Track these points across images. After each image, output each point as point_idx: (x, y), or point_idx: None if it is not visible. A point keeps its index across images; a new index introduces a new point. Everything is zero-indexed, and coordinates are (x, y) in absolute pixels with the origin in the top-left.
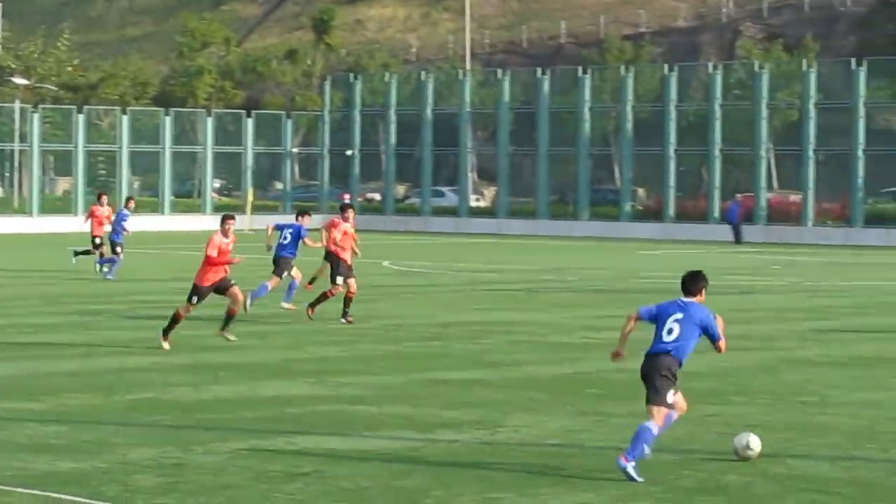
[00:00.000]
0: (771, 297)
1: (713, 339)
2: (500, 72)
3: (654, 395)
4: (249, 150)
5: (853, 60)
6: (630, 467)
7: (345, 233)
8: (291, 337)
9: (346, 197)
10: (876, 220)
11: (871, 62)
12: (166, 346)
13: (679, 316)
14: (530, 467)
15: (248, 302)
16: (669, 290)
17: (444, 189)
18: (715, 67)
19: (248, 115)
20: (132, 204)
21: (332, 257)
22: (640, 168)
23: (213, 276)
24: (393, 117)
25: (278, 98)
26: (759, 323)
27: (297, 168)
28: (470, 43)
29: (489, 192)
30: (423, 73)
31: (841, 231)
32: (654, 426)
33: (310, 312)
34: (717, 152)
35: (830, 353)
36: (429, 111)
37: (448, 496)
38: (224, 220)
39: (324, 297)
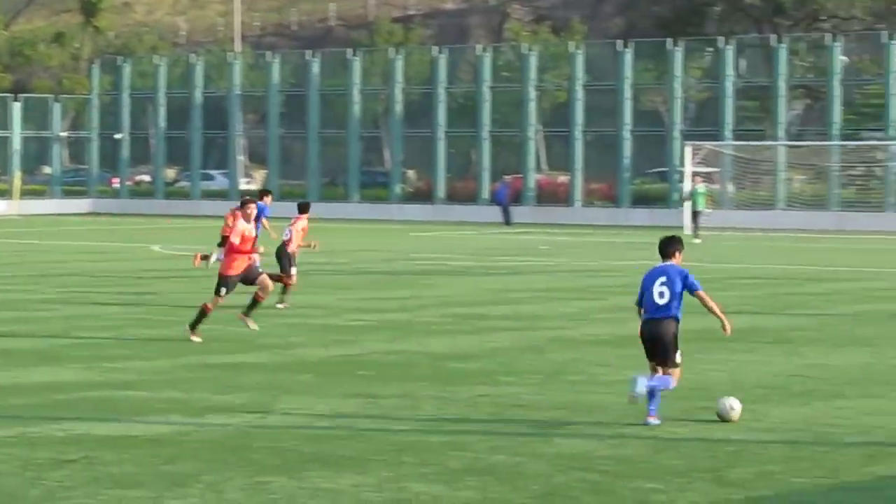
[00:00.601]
0: (539, 277)
1: (692, 289)
2: (269, 54)
3: (665, 358)
4: (17, 134)
5: (619, 42)
6: (656, 420)
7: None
8: (62, 323)
9: (115, 181)
10: (642, 200)
11: (637, 44)
12: (197, 339)
13: (663, 279)
14: (300, 451)
15: None
16: (439, 271)
17: (214, 172)
18: (484, 50)
19: (16, 99)
20: None
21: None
22: (409, 150)
23: (239, 265)
24: (162, 100)
25: (46, 82)
26: (527, 303)
27: (66, 152)
28: (240, 26)
29: (259, 174)
30: (192, 56)
31: (608, 211)
32: (672, 379)
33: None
34: (485, 134)
35: (598, 332)
36: (198, 94)
37: (218, 481)
38: (244, 204)
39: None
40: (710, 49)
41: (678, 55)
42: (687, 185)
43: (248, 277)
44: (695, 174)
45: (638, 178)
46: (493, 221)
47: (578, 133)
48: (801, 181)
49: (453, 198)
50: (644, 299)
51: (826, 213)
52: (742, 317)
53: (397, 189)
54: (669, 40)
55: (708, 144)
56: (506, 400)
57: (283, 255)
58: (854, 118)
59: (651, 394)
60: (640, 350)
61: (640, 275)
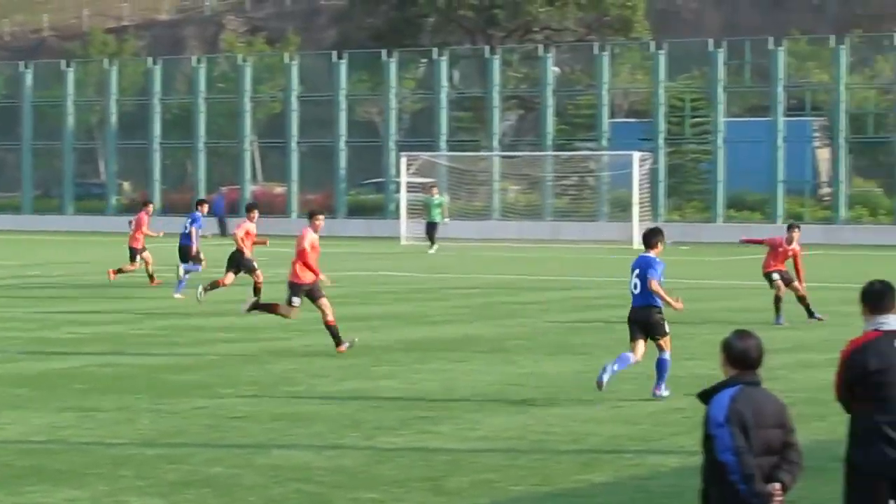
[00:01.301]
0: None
1: (643, 279)
2: None
3: (658, 333)
4: None
5: (334, 53)
6: (664, 393)
7: (247, 232)
8: None
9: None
10: (358, 211)
11: (352, 55)
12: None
13: (636, 271)
14: (16, 466)
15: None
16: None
17: None
18: (199, 61)
19: None
20: None
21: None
22: (125, 161)
23: (309, 276)
24: None
25: None
26: (242, 315)
27: None
28: None
29: None
30: None
31: (324, 222)
32: (667, 354)
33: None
34: (201, 145)
35: (316, 343)
36: None
37: None
38: (312, 215)
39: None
40: (425, 60)
41: (392, 66)
42: (403, 196)
43: (312, 293)
44: (431, 185)
45: (354, 188)
46: (210, 233)
47: (294, 144)
48: (515, 191)
49: (170, 209)
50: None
51: (540, 222)
52: (456, 326)
53: (112, 200)
54: (384, 51)
55: (423, 155)
56: (224, 412)
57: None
58: (567, 129)
59: (661, 368)
60: (355, 359)
61: (357, 285)
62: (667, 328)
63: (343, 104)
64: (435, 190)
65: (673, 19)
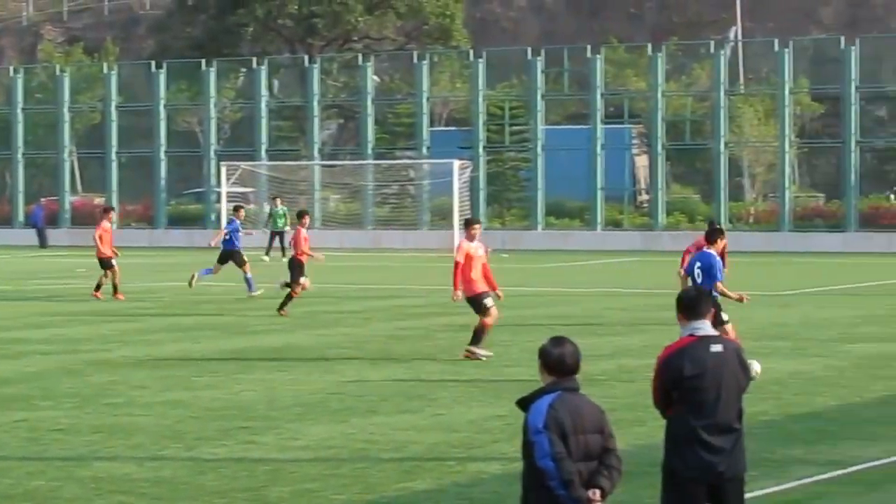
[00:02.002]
0: (78, 303)
1: (714, 278)
2: None
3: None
4: None
5: (153, 63)
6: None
7: (306, 239)
8: None
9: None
10: (179, 221)
11: (171, 65)
12: (487, 353)
13: (699, 263)
14: None
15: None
16: None
17: None
18: (16, 71)
19: None
20: None
21: (295, 261)
22: None
23: (481, 286)
24: None
25: None
26: (66, 326)
27: None
28: None
29: None
30: None
31: (145, 233)
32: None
33: (283, 313)
34: (19, 156)
35: (136, 354)
36: None
37: None
38: (469, 224)
39: (290, 297)
40: (244, 69)
41: (212, 75)
42: (224, 206)
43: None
44: (275, 196)
45: (174, 198)
46: (29, 244)
47: (113, 154)
48: (336, 200)
49: None
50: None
51: (361, 231)
52: (278, 336)
53: None
54: (203, 61)
55: (243, 164)
56: (44, 424)
57: (294, 265)
58: (387, 137)
59: None
60: (175, 370)
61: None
62: (725, 317)
63: (162, 114)
64: (279, 200)
65: (492, 28)
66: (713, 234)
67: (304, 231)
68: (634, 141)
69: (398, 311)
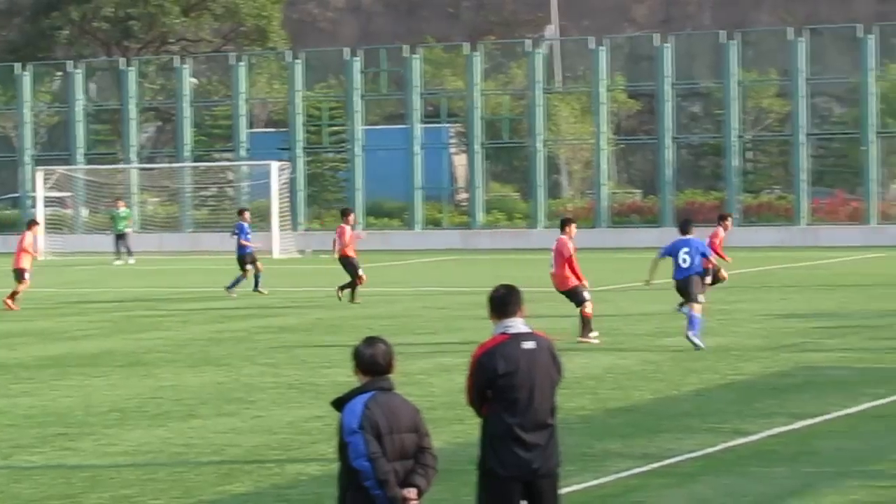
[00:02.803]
0: None
1: (705, 254)
2: None
3: (693, 298)
4: None
5: None
6: (697, 337)
7: (352, 235)
8: None
9: None
10: None
11: None
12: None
13: (686, 248)
14: None
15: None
16: None
17: None
18: None
19: None
20: None
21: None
22: None
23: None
24: None
25: None
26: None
27: None
28: None
29: None
30: None
31: None
32: (698, 315)
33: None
34: None
35: None
36: None
37: None
38: (564, 223)
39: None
40: (60, 73)
41: (27, 79)
42: (40, 210)
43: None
44: (118, 198)
45: None
46: None
47: None
48: (155, 203)
49: None
50: (674, 265)
51: (180, 234)
52: (95, 341)
53: None
54: (18, 65)
55: (60, 169)
56: None
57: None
58: (205, 139)
59: (692, 321)
60: None
61: None
62: (700, 298)
63: None
64: (121, 202)
65: (309, 29)
66: (689, 224)
67: (349, 228)
68: (453, 140)
69: (217, 313)
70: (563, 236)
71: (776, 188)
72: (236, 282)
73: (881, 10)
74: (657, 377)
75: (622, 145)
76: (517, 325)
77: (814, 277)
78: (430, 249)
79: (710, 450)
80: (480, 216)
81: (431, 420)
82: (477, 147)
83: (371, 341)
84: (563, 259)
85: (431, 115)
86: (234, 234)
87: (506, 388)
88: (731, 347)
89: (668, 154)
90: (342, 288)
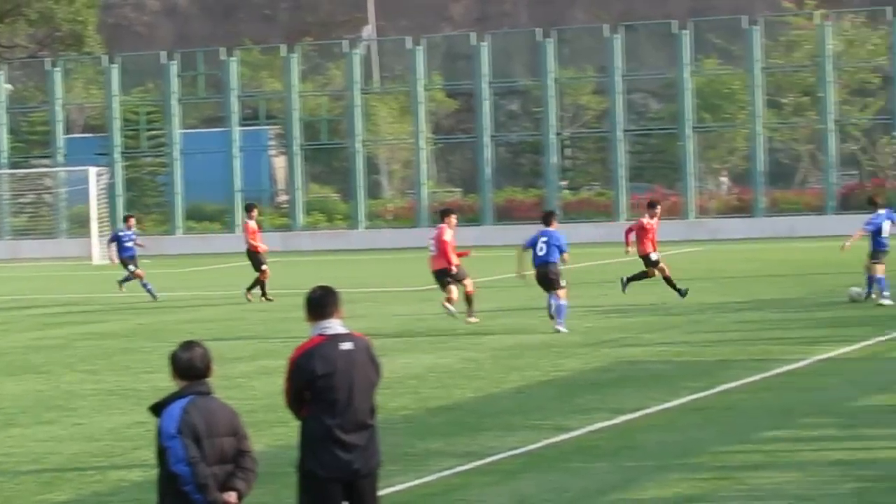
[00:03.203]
0: None
1: (562, 249)
2: None
3: (554, 285)
4: None
5: None
6: (563, 327)
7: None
8: None
9: None
10: None
11: None
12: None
13: (545, 238)
14: None
15: None
16: None
17: None
18: None
19: None
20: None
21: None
22: None
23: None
24: None
25: None
26: None
27: None
28: None
29: None
30: None
31: None
32: (564, 301)
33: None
34: None
35: None
36: None
37: None
38: (444, 213)
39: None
40: None
41: None
42: None
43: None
44: None
45: None
46: None
47: None
48: None
49: None
50: (533, 253)
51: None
52: None
53: None
54: None
55: None
56: None
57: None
58: (22, 146)
59: (559, 310)
60: None
61: None
62: (563, 283)
63: None
64: None
65: (125, 33)
66: (552, 216)
67: (252, 223)
68: (272, 142)
69: (37, 320)
70: (443, 225)
71: (595, 184)
72: (127, 279)
73: (695, 6)
74: (479, 375)
75: (441, 144)
76: (334, 326)
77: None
78: None
79: (532, 447)
80: (301, 218)
81: (252, 423)
82: (296, 149)
83: (188, 345)
84: (441, 245)
85: (250, 118)
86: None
87: (324, 389)
88: (552, 344)
89: (487, 152)
90: (249, 289)
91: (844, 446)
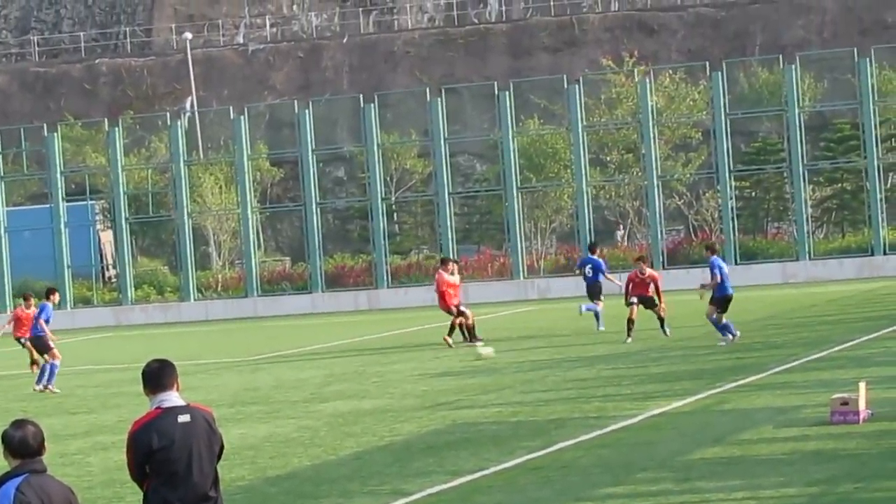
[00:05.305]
0: None
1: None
2: None
3: (597, 297)
4: None
5: None
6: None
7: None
8: None
9: None
10: None
11: None
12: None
13: (590, 264)
14: None
15: None
16: None
17: None
18: None
19: None
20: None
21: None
22: None
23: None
24: None
25: None
26: None
27: None
28: None
29: None
30: None
31: None
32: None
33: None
34: None
35: None
36: None
37: None
38: (443, 261)
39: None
40: None
41: None
42: None
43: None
44: None
45: None
46: None
47: None
48: None
49: None
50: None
51: None
52: None
53: None
54: None
55: None
56: None
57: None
58: None
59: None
60: None
61: None
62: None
63: None
64: None
65: None
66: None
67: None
68: (98, 216)
69: None
70: (442, 271)
71: (424, 247)
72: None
73: (515, 66)
74: (315, 443)
75: (268, 213)
76: (172, 398)
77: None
78: (81, 328)
79: None
80: (131, 291)
81: (90, 499)
82: (123, 223)
83: (20, 424)
84: (441, 290)
85: (75, 193)
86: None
87: (163, 462)
88: (387, 409)
89: (315, 220)
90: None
91: (682, 499)
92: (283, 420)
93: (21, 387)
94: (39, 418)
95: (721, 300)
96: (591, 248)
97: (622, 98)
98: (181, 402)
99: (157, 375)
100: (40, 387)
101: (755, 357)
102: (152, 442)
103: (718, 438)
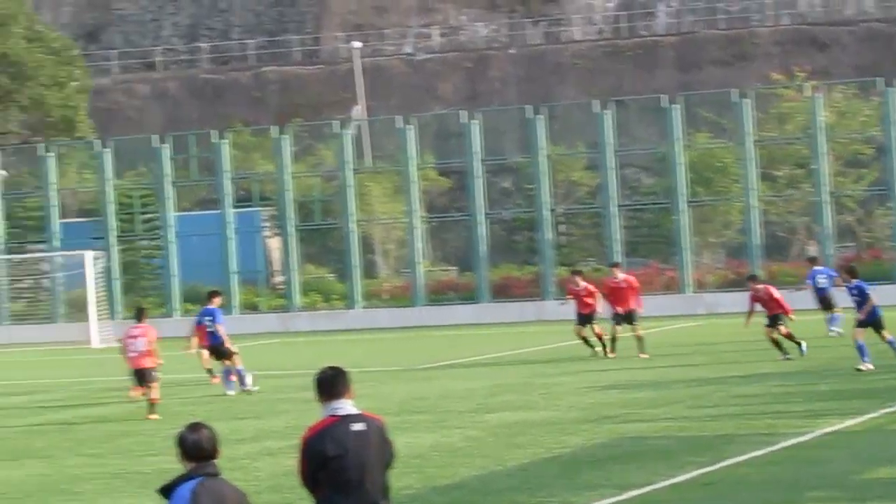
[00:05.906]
0: None
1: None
2: None
3: (832, 305)
4: None
5: None
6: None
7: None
8: None
9: None
10: None
11: None
12: None
13: (822, 275)
14: None
15: None
16: None
17: None
18: None
19: None
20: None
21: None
22: None
23: None
24: None
25: None
26: None
27: None
28: None
29: None
30: None
31: None
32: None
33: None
34: None
35: None
36: None
37: None
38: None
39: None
40: None
41: None
42: None
43: None
44: None
45: None
46: None
47: None
48: None
49: None
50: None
51: None
52: None
53: None
54: None
55: None
56: None
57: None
58: (17, 231)
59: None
60: None
61: None
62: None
63: None
64: None
65: (117, 117)
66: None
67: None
68: (266, 223)
69: (36, 406)
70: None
71: (591, 260)
72: (240, 377)
73: (684, 79)
74: (481, 453)
75: (435, 223)
76: (346, 406)
77: (633, 348)
78: (247, 333)
79: None
80: (297, 298)
81: None
82: (290, 229)
83: (195, 427)
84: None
85: (243, 199)
86: (200, 322)
87: (336, 470)
88: (553, 421)
89: (482, 230)
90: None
91: None
92: (449, 430)
93: (190, 391)
94: (210, 422)
95: (875, 322)
96: (812, 260)
97: (793, 113)
98: (355, 411)
99: (332, 383)
100: (236, 392)
101: None
102: (326, 449)
103: (891, 459)
